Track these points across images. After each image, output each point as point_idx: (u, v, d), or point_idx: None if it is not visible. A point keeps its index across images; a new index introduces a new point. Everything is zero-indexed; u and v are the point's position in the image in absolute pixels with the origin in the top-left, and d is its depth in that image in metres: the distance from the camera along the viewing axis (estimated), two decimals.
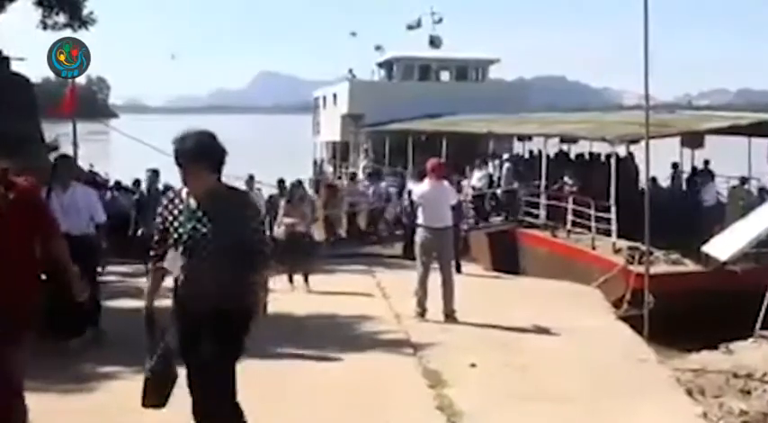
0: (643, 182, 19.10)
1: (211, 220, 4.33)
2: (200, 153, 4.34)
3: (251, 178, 16.34)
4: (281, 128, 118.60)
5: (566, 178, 18.09)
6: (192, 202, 4.41)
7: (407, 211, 17.31)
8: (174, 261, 4.39)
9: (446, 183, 10.57)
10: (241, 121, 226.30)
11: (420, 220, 10.08)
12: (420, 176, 15.07)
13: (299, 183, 14.14)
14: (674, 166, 21.02)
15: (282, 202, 13.14)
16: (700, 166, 20.64)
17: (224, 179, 4.48)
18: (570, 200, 16.64)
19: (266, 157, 45.77)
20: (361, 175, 29.18)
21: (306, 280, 12.18)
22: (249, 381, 6.89)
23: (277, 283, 12.44)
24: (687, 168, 21.16)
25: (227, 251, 4.31)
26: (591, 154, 22.86)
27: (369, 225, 22.31)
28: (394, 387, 6.86)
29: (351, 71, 36.07)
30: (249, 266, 4.36)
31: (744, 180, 17.84)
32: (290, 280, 12.23)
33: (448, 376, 7.09)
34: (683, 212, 16.24)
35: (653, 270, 11.83)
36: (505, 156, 22.28)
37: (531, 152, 25.17)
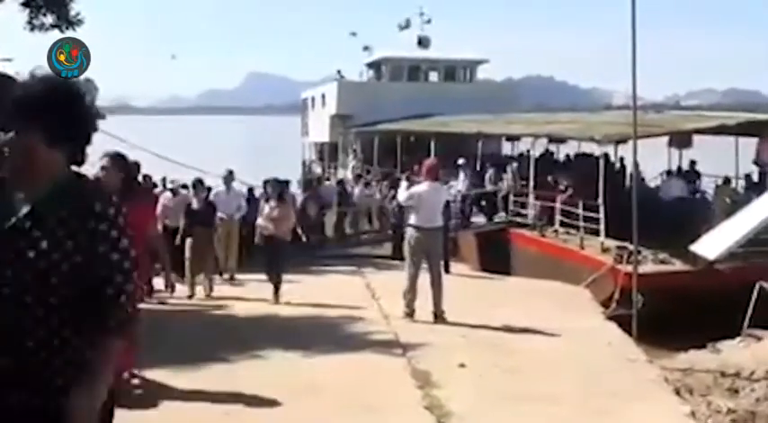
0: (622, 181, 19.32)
1: (46, 237, 2.40)
2: (34, 109, 2.44)
3: (230, 173, 14.30)
4: (271, 129, 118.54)
5: (559, 179, 18.08)
6: (18, 201, 2.47)
7: (395, 211, 17.33)
8: None
9: (441, 183, 10.66)
10: (231, 121, 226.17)
11: (412, 221, 10.06)
12: (407, 178, 15.10)
13: (277, 181, 12.42)
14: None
15: (262, 203, 12.32)
16: (687, 165, 20.73)
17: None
18: (558, 200, 16.68)
19: (256, 158, 45.78)
20: (349, 176, 29.22)
21: (276, 290, 11.28)
22: (238, 382, 6.91)
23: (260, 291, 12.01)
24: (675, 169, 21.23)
25: (64, 296, 2.41)
26: (581, 154, 22.96)
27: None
28: (383, 387, 6.86)
29: (339, 72, 36.09)
30: (94, 325, 2.45)
31: (727, 179, 17.96)
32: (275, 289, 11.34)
33: (437, 377, 7.09)
34: (670, 212, 16.27)
35: (641, 269, 11.86)
36: (461, 161, 21.98)
37: (482, 156, 24.90)
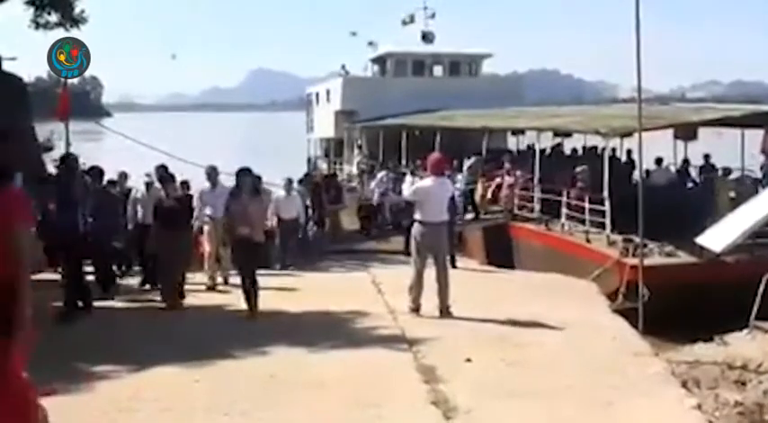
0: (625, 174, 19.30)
1: None
2: None
3: (213, 170, 12.68)
4: (275, 125, 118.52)
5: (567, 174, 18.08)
6: None
7: (401, 207, 17.33)
8: None
9: (446, 178, 10.68)
10: (235, 118, 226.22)
11: (418, 216, 10.05)
12: (412, 173, 15.09)
13: (245, 171, 10.24)
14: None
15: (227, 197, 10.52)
16: (692, 159, 20.80)
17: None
18: (564, 193, 16.65)
19: (260, 154, 45.75)
20: (354, 171, 29.26)
21: (252, 302, 9.91)
22: (244, 377, 6.93)
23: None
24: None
25: None
26: (579, 148, 22.94)
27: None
28: (389, 382, 6.86)
29: (344, 67, 36.09)
30: None
31: (727, 171, 17.96)
32: (247, 298, 9.92)
33: (443, 371, 7.09)
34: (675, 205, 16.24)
35: (647, 262, 11.83)
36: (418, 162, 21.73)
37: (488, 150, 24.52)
